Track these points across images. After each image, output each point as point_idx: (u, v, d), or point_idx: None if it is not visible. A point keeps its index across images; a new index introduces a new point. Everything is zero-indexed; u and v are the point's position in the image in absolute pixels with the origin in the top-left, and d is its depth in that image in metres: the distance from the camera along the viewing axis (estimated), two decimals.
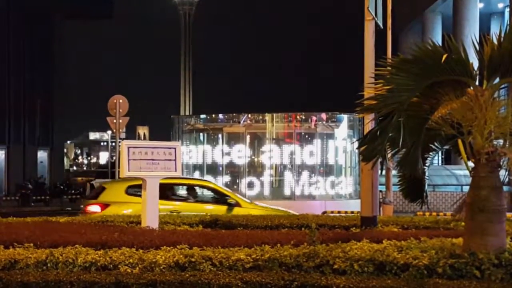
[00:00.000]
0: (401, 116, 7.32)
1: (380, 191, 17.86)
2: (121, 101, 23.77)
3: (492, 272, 6.81)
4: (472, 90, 7.34)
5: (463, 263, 6.90)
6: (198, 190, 17.08)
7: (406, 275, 6.86)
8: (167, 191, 16.48)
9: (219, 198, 15.93)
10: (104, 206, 15.11)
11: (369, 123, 9.85)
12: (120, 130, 24.02)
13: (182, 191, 17.19)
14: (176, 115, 29.31)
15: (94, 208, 15.14)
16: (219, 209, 14.85)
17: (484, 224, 7.16)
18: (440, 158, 40.06)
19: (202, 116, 27.81)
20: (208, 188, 16.71)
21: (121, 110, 23.72)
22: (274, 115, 25.21)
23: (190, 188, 16.92)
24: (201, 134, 26.32)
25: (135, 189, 16.06)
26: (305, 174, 24.64)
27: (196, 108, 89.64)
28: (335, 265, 7.07)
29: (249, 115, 25.59)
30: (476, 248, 7.07)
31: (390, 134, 7.46)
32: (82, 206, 16.50)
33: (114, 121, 23.74)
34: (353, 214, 16.11)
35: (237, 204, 15.32)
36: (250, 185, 24.67)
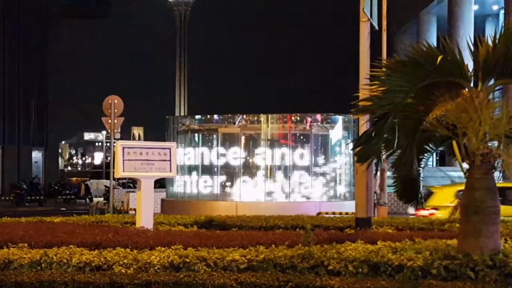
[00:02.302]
0: (396, 117, 7.33)
1: (375, 192, 17.83)
2: (116, 101, 23.73)
3: (486, 273, 6.82)
4: (467, 91, 7.35)
5: (457, 264, 6.91)
6: None
7: (401, 276, 6.87)
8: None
9: None
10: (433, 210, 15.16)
11: (364, 124, 9.86)
12: (115, 131, 23.96)
13: None
14: (171, 116, 29.21)
15: (423, 213, 15.05)
16: None
17: (479, 225, 7.17)
18: (434, 159, 40.07)
19: (197, 116, 27.74)
20: None
21: (116, 111, 23.69)
22: (269, 116, 25.16)
23: None
24: (196, 134, 26.27)
25: None
26: (299, 175, 24.60)
27: (192, 108, 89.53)
28: (329, 266, 7.08)
29: (244, 116, 25.55)
30: (470, 249, 7.07)
31: (385, 135, 7.47)
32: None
33: (109, 121, 23.70)
34: (347, 215, 16.11)
35: None
36: (245, 185, 24.63)
